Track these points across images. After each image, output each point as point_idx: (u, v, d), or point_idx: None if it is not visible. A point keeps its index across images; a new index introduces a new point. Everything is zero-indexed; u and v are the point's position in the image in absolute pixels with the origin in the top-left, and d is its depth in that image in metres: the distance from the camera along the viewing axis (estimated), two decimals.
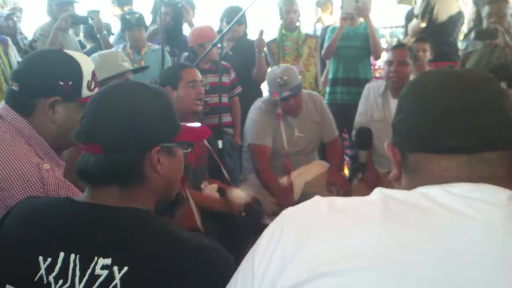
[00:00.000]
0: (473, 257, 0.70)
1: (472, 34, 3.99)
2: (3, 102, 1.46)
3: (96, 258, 0.94)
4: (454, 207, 0.74)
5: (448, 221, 0.73)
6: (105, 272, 0.92)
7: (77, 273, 0.94)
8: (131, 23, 3.71)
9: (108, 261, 0.93)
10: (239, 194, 2.61)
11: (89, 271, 0.93)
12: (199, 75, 2.78)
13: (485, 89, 0.83)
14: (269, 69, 4.01)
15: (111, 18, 5.10)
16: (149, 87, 1.11)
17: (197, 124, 1.26)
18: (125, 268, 0.92)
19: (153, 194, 1.09)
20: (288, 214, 0.82)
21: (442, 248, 0.71)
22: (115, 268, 0.92)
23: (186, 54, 3.97)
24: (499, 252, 0.70)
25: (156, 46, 3.80)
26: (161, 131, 1.08)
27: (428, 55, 4.03)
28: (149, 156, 1.05)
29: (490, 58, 3.41)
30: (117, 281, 0.92)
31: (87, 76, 1.46)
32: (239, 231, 2.53)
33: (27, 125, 1.40)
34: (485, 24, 3.48)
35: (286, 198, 2.93)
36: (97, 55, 2.65)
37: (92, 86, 1.47)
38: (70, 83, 1.42)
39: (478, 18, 4.31)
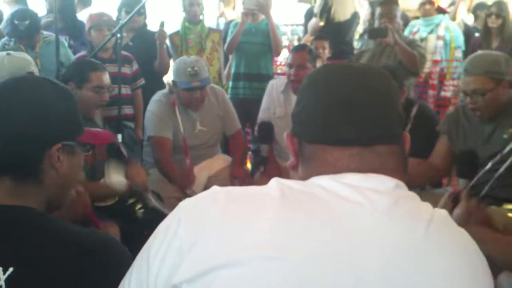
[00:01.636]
0: (363, 242, 0.73)
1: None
2: None
3: None
4: (345, 196, 0.77)
5: (340, 209, 0.76)
6: None
7: None
8: (19, 31, 3.34)
9: None
10: (119, 180, 2.51)
11: None
12: (107, 80, 2.68)
13: (379, 84, 0.87)
14: (171, 61, 3.97)
15: (1, 4, 4.73)
16: (55, 84, 1.09)
17: (98, 129, 1.23)
18: (10, 269, 0.88)
19: (46, 192, 1.05)
20: (185, 205, 0.81)
21: (335, 234, 0.74)
22: (0, 269, 0.88)
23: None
24: (384, 237, 0.74)
25: (52, 36, 3.57)
26: (63, 129, 1.06)
27: (327, 52, 4.19)
28: (49, 153, 1.03)
29: (381, 57, 3.61)
30: (1, 282, 0.87)
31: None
32: (138, 222, 2.46)
33: None
34: (377, 24, 3.67)
35: (187, 181, 2.93)
36: (6, 60, 2.42)
37: None
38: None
39: (372, 19, 4.55)
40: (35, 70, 2.50)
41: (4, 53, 2.49)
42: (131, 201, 2.52)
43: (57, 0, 3.39)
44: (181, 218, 0.78)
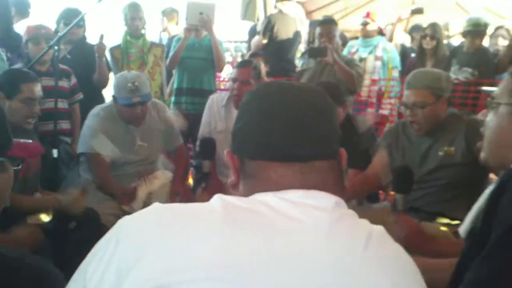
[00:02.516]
0: (304, 260, 0.73)
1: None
2: None
3: None
4: (288, 213, 0.77)
5: (283, 226, 0.76)
6: None
7: None
8: None
9: None
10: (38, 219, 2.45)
11: None
12: (39, 91, 2.59)
13: (317, 102, 0.88)
14: (111, 74, 3.90)
15: None
16: None
17: (27, 140, 1.17)
18: None
19: None
20: (124, 223, 0.78)
21: (278, 252, 0.73)
22: None
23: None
24: (325, 254, 0.75)
25: None
26: None
27: (263, 68, 4.24)
28: None
29: (321, 75, 3.69)
30: None
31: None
32: (74, 243, 2.37)
33: None
34: (317, 43, 3.76)
35: (129, 199, 2.87)
36: None
37: None
38: None
39: (312, 39, 4.66)
40: None
41: None
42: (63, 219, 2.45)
43: None
44: (120, 237, 0.75)
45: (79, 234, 2.38)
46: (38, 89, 2.59)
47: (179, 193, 3.10)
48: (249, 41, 5.41)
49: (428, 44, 4.67)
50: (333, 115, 0.90)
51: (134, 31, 4.02)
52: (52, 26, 3.81)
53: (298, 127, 0.84)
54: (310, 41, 4.97)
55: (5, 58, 3.53)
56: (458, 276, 1.11)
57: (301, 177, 0.83)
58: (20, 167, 1.11)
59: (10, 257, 0.93)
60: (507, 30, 5.02)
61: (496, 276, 0.97)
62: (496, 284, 0.98)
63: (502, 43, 4.80)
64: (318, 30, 3.77)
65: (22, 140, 1.12)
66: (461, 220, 2.25)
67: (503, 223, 1.01)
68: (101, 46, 3.66)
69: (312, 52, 3.67)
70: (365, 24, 4.78)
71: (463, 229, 1.21)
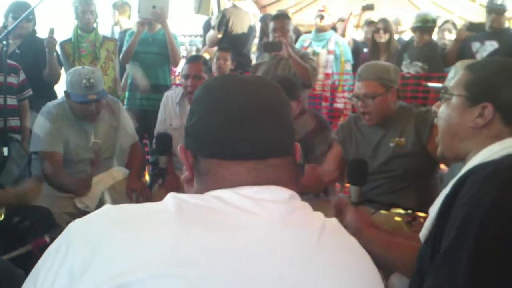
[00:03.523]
0: (260, 253, 0.74)
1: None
2: None
3: None
4: (244, 207, 0.78)
5: (239, 220, 0.76)
6: None
7: None
8: None
9: None
10: None
11: None
12: None
13: (271, 98, 0.88)
14: (62, 70, 3.79)
15: None
16: None
17: None
18: None
19: None
20: (75, 226, 0.77)
21: (235, 246, 0.73)
22: None
23: None
24: (280, 246, 0.76)
25: None
26: None
27: (229, 64, 4.23)
28: None
29: (276, 69, 3.72)
30: None
31: None
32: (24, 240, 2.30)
33: None
34: (271, 38, 3.78)
35: (85, 187, 2.81)
36: None
37: None
38: None
39: (265, 33, 4.68)
40: None
41: None
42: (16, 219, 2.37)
43: None
44: (71, 241, 0.74)
45: (32, 234, 2.31)
46: None
47: (136, 189, 3.06)
48: (204, 36, 5.38)
49: (381, 37, 4.78)
50: (288, 110, 0.90)
51: (86, 25, 3.92)
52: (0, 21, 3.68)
53: (250, 124, 0.84)
54: (263, 36, 4.99)
55: None
56: (417, 280, 1.14)
57: (256, 175, 0.83)
58: None
59: None
60: (453, 24, 5.19)
61: (451, 282, 1.00)
62: None
63: (448, 36, 4.97)
64: (272, 24, 3.78)
65: None
66: (413, 209, 2.34)
67: (452, 229, 1.04)
68: (51, 40, 3.56)
69: (266, 46, 3.68)
70: (321, 17, 4.83)
71: (422, 233, 1.24)
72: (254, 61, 5.01)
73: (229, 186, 0.82)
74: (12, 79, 3.31)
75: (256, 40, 5.59)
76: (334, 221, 0.85)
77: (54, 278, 0.71)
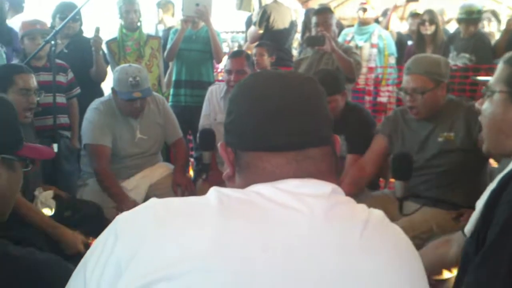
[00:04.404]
0: (301, 249, 0.74)
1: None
2: None
3: None
4: (284, 202, 0.78)
5: (279, 216, 0.76)
6: None
7: None
8: None
9: None
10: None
11: None
12: (34, 82, 2.59)
13: (306, 88, 0.89)
14: (108, 68, 3.88)
15: None
16: None
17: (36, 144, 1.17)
18: None
19: None
20: (122, 219, 0.79)
21: (274, 241, 0.74)
22: None
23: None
24: (322, 242, 0.75)
25: None
26: (2, 142, 1.02)
27: (266, 58, 4.23)
28: None
29: (319, 64, 3.68)
30: None
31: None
32: None
33: None
34: (313, 32, 3.75)
35: (124, 201, 2.82)
36: None
37: None
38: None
39: (308, 28, 4.65)
40: None
41: None
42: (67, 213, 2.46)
43: None
44: (118, 233, 0.76)
45: (82, 228, 2.39)
46: (32, 80, 2.59)
47: (181, 184, 3.11)
48: (246, 32, 5.39)
49: (427, 29, 4.66)
50: (323, 101, 0.90)
51: (130, 24, 3.99)
52: (47, 21, 3.79)
53: (287, 115, 0.84)
54: (306, 31, 4.96)
55: (4, 56, 3.53)
56: (462, 275, 1.11)
57: (296, 166, 0.83)
58: (29, 168, 1.10)
59: (16, 255, 0.93)
60: (495, 13, 5.01)
61: (492, 280, 0.98)
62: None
63: (487, 27, 4.80)
64: (314, 19, 3.75)
65: (31, 144, 1.11)
66: (462, 205, 2.28)
67: (496, 226, 1.02)
68: (97, 39, 3.65)
69: (309, 41, 3.65)
70: (364, 10, 4.76)
71: (467, 228, 1.21)
72: (295, 56, 4.99)
73: (271, 179, 0.82)
74: (61, 78, 3.41)
75: (297, 35, 5.56)
76: (379, 213, 0.83)
77: (102, 269, 0.74)
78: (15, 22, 4.16)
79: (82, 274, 0.76)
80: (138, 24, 4.03)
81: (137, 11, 4.00)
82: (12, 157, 1.04)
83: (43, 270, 0.92)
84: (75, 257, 1.90)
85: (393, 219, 1.42)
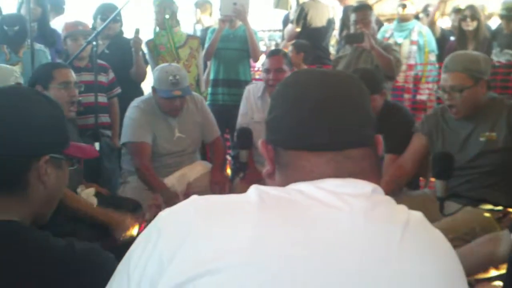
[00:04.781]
0: (341, 247, 0.73)
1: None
2: None
3: None
4: (325, 201, 0.77)
5: (320, 214, 0.76)
6: None
7: None
8: (8, 36, 3.41)
9: None
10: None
11: None
12: (73, 76, 2.66)
13: (349, 88, 0.88)
14: (148, 68, 3.95)
15: None
16: (41, 95, 1.08)
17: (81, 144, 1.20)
18: None
19: (32, 206, 1.02)
20: (165, 215, 0.80)
21: (315, 239, 0.73)
22: None
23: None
24: (362, 242, 0.74)
25: (37, 44, 3.55)
26: (51, 141, 1.04)
27: (296, 55, 4.22)
28: (37, 165, 1.00)
29: (358, 62, 3.64)
30: None
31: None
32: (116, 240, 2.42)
33: None
34: (352, 30, 3.71)
35: (168, 195, 2.87)
36: None
37: None
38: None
39: (346, 25, 4.60)
40: (18, 79, 2.48)
41: None
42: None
43: (32, 9, 3.38)
44: (161, 229, 0.77)
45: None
46: (71, 73, 2.67)
47: (218, 183, 3.14)
48: (283, 30, 5.39)
49: (468, 25, 4.54)
50: (366, 101, 0.89)
51: (161, 23, 4.00)
52: (88, 22, 3.89)
53: (329, 115, 0.83)
54: (344, 28, 4.91)
55: (49, 57, 3.64)
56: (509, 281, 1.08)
57: (336, 166, 0.83)
58: (74, 167, 1.12)
59: (61, 245, 0.96)
60: None
61: None
62: None
63: None
64: (353, 16, 3.71)
65: (76, 143, 1.14)
66: (504, 205, 2.22)
67: None
68: (137, 40, 3.71)
69: (348, 39, 3.62)
70: (403, 6, 4.68)
71: None
72: (333, 55, 4.95)
73: (310, 178, 0.81)
74: (102, 78, 3.50)
75: (335, 33, 5.51)
76: (419, 215, 0.82)
77: (145, 264, 0.75)
78: (56, 24, 4.29)
79: (126, 269, 0.77)
80: (173, 23, 4.04)
81: (170, 10, 4.02)
82: (60, 156, 1.06)
83: (83, 260, 0.94)
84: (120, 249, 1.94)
85: (433, 219, 1.40)
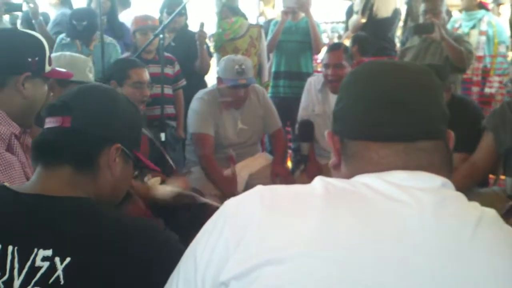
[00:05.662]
0: (408, 243, 0.72)
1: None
2: None
3: (35, 250, 0.92)
4: (391, 195, 0.76)
5: (386, 208, 0.75)
6: (46, 264, 0.91)
7: (16, 265, 0.91)
8: (77, 31, 3.59)
9: (48, 252, 0.91)
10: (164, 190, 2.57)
11: (29, 263, 0.91)
12: (147, 76, 2.76)
13: (422, 80, 0.86)
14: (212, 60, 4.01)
15: (47, 7, 4.88)
16: (128, 98, 1.18)
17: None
18: (68, 259, 0.91)
19: (98, 190, 1.07)
20: (230, 204, 0.82)
21: (380, 233, 0.73)
22: (57, 259, 0.91)
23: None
24: (431, 238, 0.73)
25: (108, 38, 3.71)
26: (126, 134, 1.11)
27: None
28: (108, 150, 1.07)
29: (426, 53, 3.53)
30: (59, 272, 0.90)
31: (47, 51, 1.53)
32: (184, 226, 2.50)
33: None
34: (421, 20, 3.60)
35: (229, 187, 2.92)
36: (69, 54, 2.59)
37: (51, 62, 1.55)
38: (37, 58, 1.49)
39: (410, 15, 4.48)
40: (90, 76, 2.61)
41: (67, 53, 2.66)
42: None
43: (101, 2, 3.52)
44: (227, 217, 0.79)
45: (185, 214, 2.50)
46: (146, 73, 2.76)
47: (279, 174, 3.16)
48: (346, 22, 5.31)
49: None
50: (440, 94, 0.87)
51: (220, 13, 4.07)
52: (153, 15, 3.99)
53: (401, 105, 0.82)
54: (409, 19, 4.78)
55: (119, 50, 3.78)
56: None
57: (405, 158, 0.81)
58: (136, 173, 1.20)
59: (129, 223, 1.01)
60: None
61: None
62: None
63: None
64: (423, 6, 3.60)
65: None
66: None
67: None
68: (201, 34, 3.77)
69: (417, 29, 3.52)
70: None
71: None
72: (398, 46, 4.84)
73: (377, 170, 0.80)
74: (168, 70, 3.58)
75: (401, 24, 5.37)
76: (492, 213, 0.79)
77: (212, 250, 0.77)
78: (123, 17, 4.44)
79: (193, 255, 0.80)
80: (234, 18, 4.08)
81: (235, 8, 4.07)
82: (130, 153, 1.12)
83: (153, 235, 0.99)
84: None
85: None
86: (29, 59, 1.47)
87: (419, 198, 0.76)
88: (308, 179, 3.04)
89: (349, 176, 0.83)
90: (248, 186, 3.07)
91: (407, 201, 0.75)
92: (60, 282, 0.90)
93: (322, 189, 0.78)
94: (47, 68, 1.53)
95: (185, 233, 1.05)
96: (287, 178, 3.15)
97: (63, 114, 1.05)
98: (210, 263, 0.77)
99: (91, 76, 2.57)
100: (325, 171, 3.09)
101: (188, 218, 2.43)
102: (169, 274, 0.84)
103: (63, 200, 0.99)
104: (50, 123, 1.07)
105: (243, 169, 3.16)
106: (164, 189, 2.47)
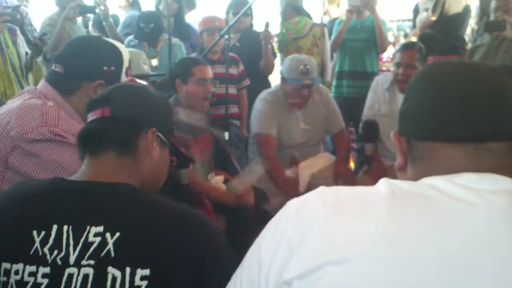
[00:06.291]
0: (479, 245, 0.70)
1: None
2: (43, 81, 1.60)
3: (88, 227, 0.99)
4: (459, 197, 0.74)
5: (454, 210, 0.73)
6: (98, 239, 0.98)
7: (71, 242, 0.99)
8: (144, 33, 3.73)
9: (100, 228, 0.99)
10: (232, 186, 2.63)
11: (82, 239, 0.99)
12: (210, 73, 2.81)
13: (492, 79, 0.83)
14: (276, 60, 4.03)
15: (117, 9, 5.08)
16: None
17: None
18: (117, 234, 0.98)
19: (140, 173, 1.14)
20: (293, 204, 0.83)
21: (448, 235, 0.71)
22: (108, 235, 0.98)
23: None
24: (502, 240, 0.71)
25: (174, 39, 3.82)
26: (161, 120, 1.20)
27: None
28: (145, 134, 1.15)
29: (497, 51, 3.39)
30: (110, 245, 0.97)
31: (126, 63, 1.61)
32: (247, 224, 2.53)
33: (67, 104, 1.56)
34: (492, 17, 3.46)
35: (291, 188, 2.92)
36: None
37: (129, 72, 1.63)
38: (113, 68, 1.57)
39: (482, 13, 4.30)
40: (146, 68, 2.70)
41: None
42: None
43: (169, 4, 3.63)
44: (290, 217, 0.80)
45: (249, 213, 2.54)
46: (208, 70, 2.83)
47: (342, 175, 3.13)
48: (413, 19, 5.16)
49: None
50: (510, 94, 0.83)
51: (283, 13, 4.07)
52: (218, 15, 4.05)
53: (470, 105, 0.80)
54: (483, 16, 4.58)
55: (184, 51, 3.89)
56: None
57: (475, 160, 0.79)
58: (173, 162, 1.27)
59: (196, 211, 1.08)
60: None
61: None
62: None
63: None
64: (494, 3, 3.46)
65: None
66: None
67: None
68: (266, 34, 3.79)
69: (488, 27, 3.39)
70: None
71: None
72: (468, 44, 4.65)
73: (446, 172, 0.79)
74: (232, 70, 3.64)
75: (471, 21, 5.16)
76: None
77: (275, 250, 0.78)
78: (189, 18, 4.54)
79: (256, 255, 0.81)
80: (290, 14, 4.07)
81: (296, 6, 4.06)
82: (165, 139, 1.20)
83: (194, 220, 1.06)
84: None
85: None
86: (105, 68, 1.55)
87: (488, 199, 0.74)
88: (372, 180, 3.01)
89: (415, 178, 0.82)
90: (310, 186, 3.06)
91: (476, 202, 0.73)
92: (111, 254, 0.96)
93: (388, 190, 0.77)
94: (123, 78, 1.60)
95: (245, 234, 1.09)
96: (350, 178, 3.11)
97: (102, 106, 1.15)
98: (273, 263, 0.78)
99: (145, 68, 2.67)
100: (390, 172, 3.03)
101: (249, 221, 2.46)
102: (211, 255, 0.96)
103: (111, 186, 1.07)
104: (92, 116, 1.16)
105: (305, 169, 3.15)
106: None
